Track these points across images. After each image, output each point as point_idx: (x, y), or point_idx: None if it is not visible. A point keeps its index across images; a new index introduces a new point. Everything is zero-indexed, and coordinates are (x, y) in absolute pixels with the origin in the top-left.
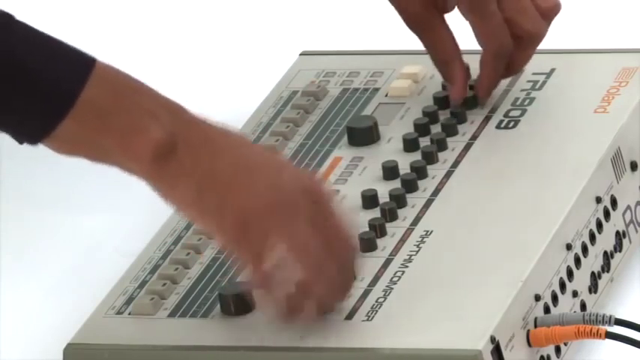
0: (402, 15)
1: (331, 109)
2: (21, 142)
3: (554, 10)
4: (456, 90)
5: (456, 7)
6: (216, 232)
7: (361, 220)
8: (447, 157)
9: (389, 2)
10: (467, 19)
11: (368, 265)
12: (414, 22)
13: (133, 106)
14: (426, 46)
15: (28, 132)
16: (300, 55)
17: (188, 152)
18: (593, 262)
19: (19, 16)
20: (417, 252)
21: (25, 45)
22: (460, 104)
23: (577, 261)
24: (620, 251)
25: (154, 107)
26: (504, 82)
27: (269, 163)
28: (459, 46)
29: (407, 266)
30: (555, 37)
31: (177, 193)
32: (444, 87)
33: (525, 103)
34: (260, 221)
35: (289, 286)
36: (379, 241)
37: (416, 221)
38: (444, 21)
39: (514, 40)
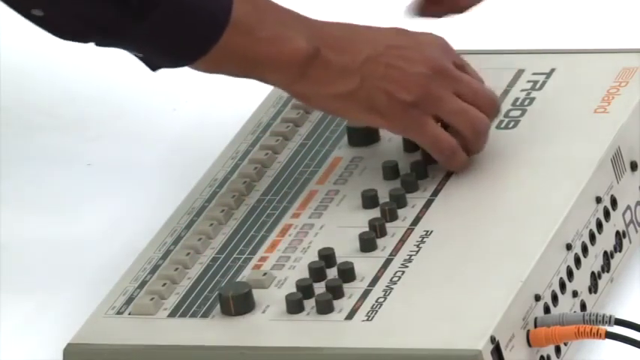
0: None
1: None
2: (157, 68)
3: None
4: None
5: None
6: (388, 122)
7: (361, 220)
8: None
9: None
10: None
11: (368, 265)
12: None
13: (274, 19)
14: None
15: (185, 54)
16: None
17: (332, 53)
18: (593, 262)
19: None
20: (417, 252)
21: None
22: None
23: (577, 261)
24: (620, 251)
25: (289, 19)
26: (504, 82)
27: (401, 37)
28: None
29: (407, 266)
30: (555, 37)
31: (332, 93)
32: None
33: (525, 103)
34: (433, 92)
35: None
36: (379, 241)
37: (416, 221)
38: None
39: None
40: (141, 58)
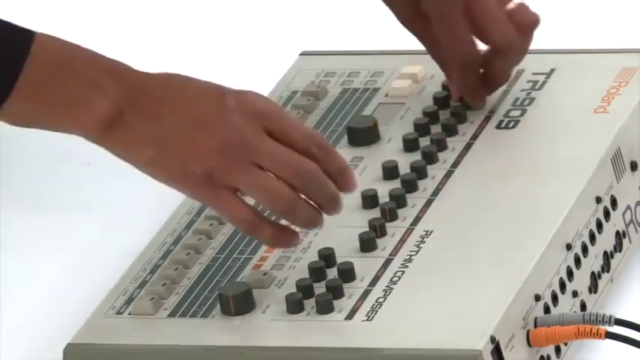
0: (397, 17)
1: (331, 109)
2: None
3: (533, 24)
4: (454, 86)
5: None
6: (186, 191)
7: (361, 220)
8: (447, 157)
9: (384, 4)
10: (435, 30)
11: (368, 265)
12: (408, 24)
13: (76, 78)
14: (424, 45)
15: None
16: (300, 55)
17: (136, 116)
18: (593, 262)
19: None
20: (417, 252)
21: None
22: (459, 101)
23: (577, 261)
24: (620, 251)
25: (96, 75)
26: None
27: (205, 104)
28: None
29: (407, 266)
30: (555, 37)
31: (137, 157)
32: (444, 87)
33: (525, 103)
34: (227, 165)
35: (284, 201)
36: (379, 241)
37: (416, 221)
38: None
39: (491, 50)
40: None
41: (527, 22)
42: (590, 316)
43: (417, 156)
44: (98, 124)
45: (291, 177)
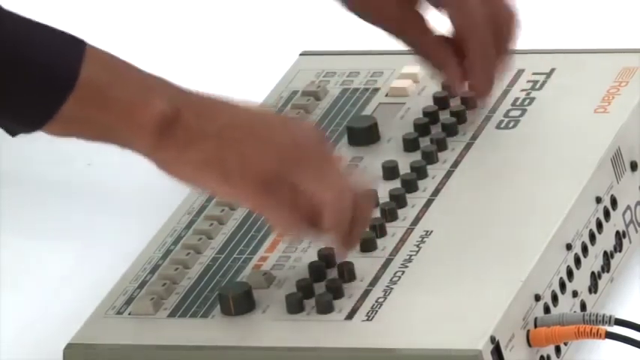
0: (380, 25)
1: (331, 109)
2: (15, 134)
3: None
4: (452, 72)
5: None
6: (237, 191)
7: None
8: (447, 157)
9: (362, 19)
10: (441, 11)
11: (368, 265)
12: (392, 27)
13: (130, 81)
14: (409, 44)
15: (29, 119)
16: (300, 55)
17: (193, 117)
18: (593, 262)
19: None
20: (417, 252)
21: (15, 33)
22: (460, 98)
23: (577, 261)
24: (620, 251)
25: (149, 81)
26: (504, 82)
27: (268, 115)
28: (441, 37)
29: (407, 266)
30: (555, 37)
31: (189, 159)
32: (444, 87)
33: (525, 103)
34: (284, 175)
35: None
36: (379, 241)
37: (416, 221)
38: (419, 15)
39: (492, 23)
40: None
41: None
42: (590, 316)
43: (417, 156)
44: (156, 123)
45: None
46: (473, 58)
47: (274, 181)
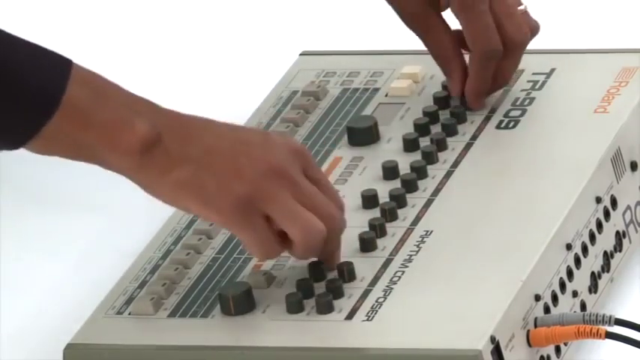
0: (400, 15)
1: (331, 109)
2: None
3: (535, 29)
4: (455, 85)
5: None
6: (215, 214)
7: (361, 220)
8: (447, 157)
9: (387, 3)
10: (457, 18)
11: (368, 265)
12: (412, 22)
13: (114, 102)
14: (425, 44)
15: (12, 137)
16: (300, 55)
17: (174, 140)
18: (593, 262)
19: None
20: (417, 252)
21: (1, 51)
22: (460, 98)
23: (577, 261)
24: (620, 251)
25: (133, 102)
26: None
27: (249, 134)
28: (457, 42)
29: (407, 266)
30: (555, 37)
31: (169, 181)
32: (444, 87)
33: (525, 103)
34: (269, 190)
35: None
36: (379, 241)
37: (416, 221)
38: (441, 18)
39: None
40: None
41: (534, 25)
42: (590, 316)
43: (417, 156)
44: (138, 145)
45: (321, 215)
46: (471, 71)
47: (249, 207)
